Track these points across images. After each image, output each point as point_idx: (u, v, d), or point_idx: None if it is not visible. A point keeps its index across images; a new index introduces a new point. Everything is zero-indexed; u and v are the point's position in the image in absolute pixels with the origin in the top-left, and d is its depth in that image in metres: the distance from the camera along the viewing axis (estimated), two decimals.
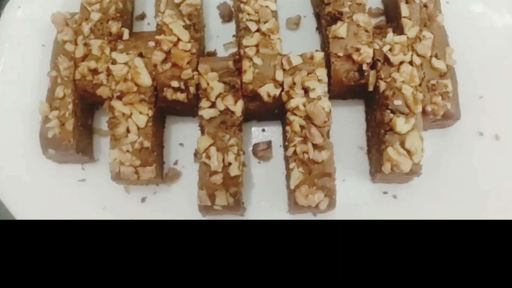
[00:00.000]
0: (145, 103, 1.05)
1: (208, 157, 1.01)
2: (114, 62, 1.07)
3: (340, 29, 1.05)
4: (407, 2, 1.10)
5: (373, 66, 1.06)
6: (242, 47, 1.06)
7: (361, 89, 1.08)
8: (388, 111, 1.01)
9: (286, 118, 1.03)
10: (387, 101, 1.02)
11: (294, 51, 1.08)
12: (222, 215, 1.07)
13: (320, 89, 1.03)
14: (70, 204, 1.13)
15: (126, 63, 1.06)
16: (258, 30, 1.07)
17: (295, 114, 1.02)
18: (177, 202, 1.13)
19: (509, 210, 1.08)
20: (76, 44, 1.10)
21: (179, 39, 1.06)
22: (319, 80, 1.03)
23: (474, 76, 1.15)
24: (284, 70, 1.05)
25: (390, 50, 1.05)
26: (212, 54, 1.22)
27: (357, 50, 1.04)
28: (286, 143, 1.03)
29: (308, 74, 1.04)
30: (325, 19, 1.10)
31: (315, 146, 0.99)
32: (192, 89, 1.06)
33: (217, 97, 1.04)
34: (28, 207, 1.12)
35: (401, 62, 1.04)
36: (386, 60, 1.05)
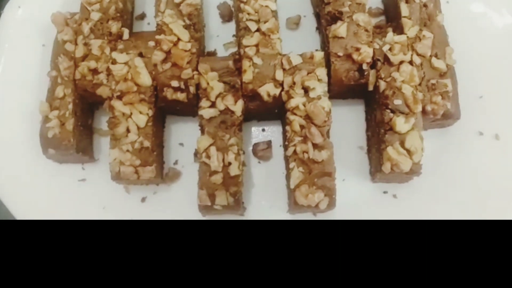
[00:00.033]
0: (145, 103, 1.05)
1: (208, 156, 1.01)
2: (114, 62, 1.07)
3: (340, 28, 1.05)
4: (407, 2, 1.10)
5: (373, 65, 1.06)
6: (242, 46, 1.06)
7: (361, 88, 1.08)
8: (388, 110, 1.01)
9: (286, 118, 1.03)
10: (387, 100, 1.02)
11: (294, 51, 1.08)
12: (222, 215, 1.07)
13: (320, 88, 1.03)
14: (70, 204, 1.13)
15: (126, 63, 1.07)
16: (258, 30, 1.07)
17: (295, 114, 1.02)
18: (177, 202, 1.13)
19: (509, 209, 1.08)
20: (76, 44, 1.10)
21: (179, 39, 1.06)
22: (319, 80, 1.03)
23: (474, 76, 1.15)
24: (284, 69, 1.05)
25: (390, 49, 1.05)
26: (212, 54, 1.22)
27: (357, 49, 1.04)
28: (286, 143, 1.03)
29: (308, 73, 1.04)
30: (325, 18, 1.10)
31: (315, 146, 0.99)
32: (192, 89, 1.06)
33: (217, 96, 1.04)
34: (28, 207, 1.12)
35: (401, 62, 1.04)
36: (386, 59, 1.05)
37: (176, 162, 1.16)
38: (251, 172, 1.15)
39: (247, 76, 1.04)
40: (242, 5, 1.09)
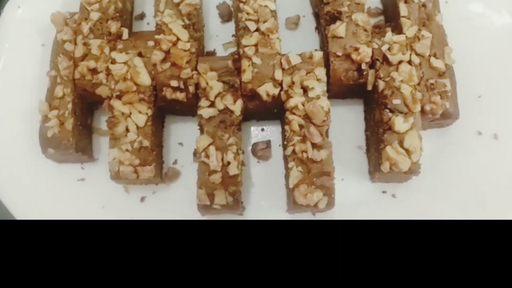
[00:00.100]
0: (145, 102, 1.05)
1: (207, 156, 1.01)
2: (113, 61, 1.07)
3: (339, 28, 1.05)
4: (406, 2, 1.10)
5: (372, 65, 1.06)
6: (241, 46, 1.06)
7: (360, 88, 1.08)
8: (387, 110, 1.02)
9: (285, 117, 1.03)
10: (386, 100, 1.02)
11: (293, 51, 1.08)
12: (221, 215, 1.07)
13: (319, 88, 1.03)
14: (70, 203, 1.13)
15: (125, 63, 1.07)
16: (257, 30, 1.07)
17: (294, 113, 1.02)
18: (176, 201, 1.13)
19: (507, 209, 1.09)
20: (75, 43, 1.10)
21: (178, 39, 1.06)
22: (318, 80, 1.03)
23: (473, 76, 1.15)
24: (283, 69, 1.05)
25: (389, 49, 1.05)
26: (212, 53, 1.22)
27: (356, 49, 1.04)
28: (285, 142, 1.03)
29: (307, 73, 1.04)
30: (324, 18, 1.10)
31: (314, 145, 0.99)
32: (191, 89, 1.06)
33: (216, 96, 1.04)
34: (28, 206, 1.12)
35: (400, 62, 1.04)
36: (385, 59, 1.05)
37: (175, 162, 1.16)
38: (250, 171, 1.15)
39: (246, 76, 1.04)
40: (241, 5, 1.09)
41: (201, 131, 1.04)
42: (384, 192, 1.12)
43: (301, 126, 1.01)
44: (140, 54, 1.08)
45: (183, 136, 1.17)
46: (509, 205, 1.09)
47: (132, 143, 1.03)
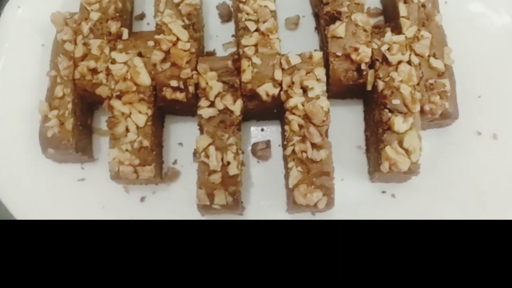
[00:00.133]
0: (145, 102, 1.05)
1: (207, 156, 1.01)
2: (113, 61, 1.07)
3: (339, 28, 1.06)
4: (405, 2, 1.10)
5: (371, 65, 1.06)
6: (241, 46, 1.06)
7: (360, 88, 1.08)
8: (387, 110, 1.02)
9: (284, 118, 1.03)
10: (385, 100, 1.02)
11: (293, 51, 1.08)
12: (221, 215, 1.07)
13: (318, 88, 1.03)
14: (70, 203, 1.13)
15: (125, 63, 1.07)
16: (257, 30, 1.07)
17: (294, 114, 1.02)
18: (176, 201, 1.13)
19: (507, 209, 1.09)
20: (75, 43, 1.10)
21: (178, 39, 1.06)
22: (317, 80, 1.03)
23: (472, 76, 1.15)
24: (283, 69, 1.05)
25: (388, 49, 1.05)
26: (211, 53, 1.22)
27: (356, 49, 1.04)
28: (285, 142, 1.03)
29: (306, 73, 1.04)
30: (324, 18, 1.10)
31: (313, 145, 1.00)
32: (191, 89, 1.06)
33: (216, 96, 1.04)
34: (28, 206, 1.12)
35: (399, 62, 1.04)
36: (385, 59, 1.05)
37: (175, 162, 1.17)
38: (250, 171, 1.15)
39: (246, 76, 1.04)
40: (241, 5, 1.09)
41: (201, 131, 1.04)
42: (383, 192, 1.12)
43: (300, 126, 1.01)
44: (140, 54, 1.08)
45: (183, 136, 1.18)
46: (508, 205, 1.09)
47: (132, 143, 1.03)
